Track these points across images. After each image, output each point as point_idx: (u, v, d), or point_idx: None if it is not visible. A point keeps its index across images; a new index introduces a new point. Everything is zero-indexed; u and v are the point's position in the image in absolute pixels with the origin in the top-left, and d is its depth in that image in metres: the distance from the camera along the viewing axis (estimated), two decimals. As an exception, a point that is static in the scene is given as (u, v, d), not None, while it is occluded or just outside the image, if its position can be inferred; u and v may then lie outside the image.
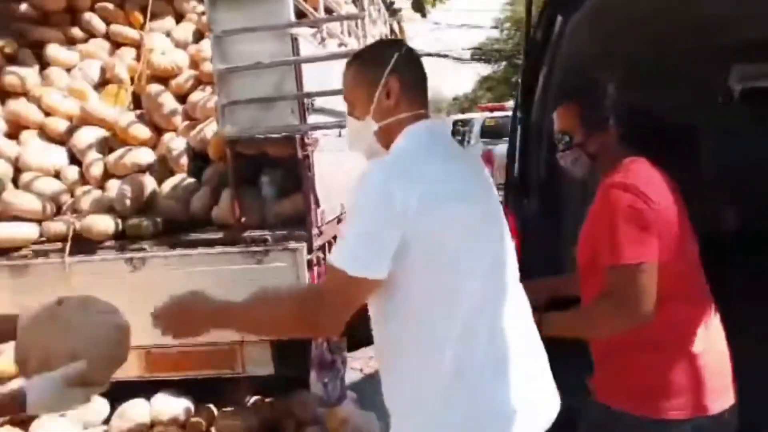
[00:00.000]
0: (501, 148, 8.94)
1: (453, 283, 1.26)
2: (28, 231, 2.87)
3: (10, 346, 1.44)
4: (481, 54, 26.68)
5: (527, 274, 2.41)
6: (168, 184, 3.10)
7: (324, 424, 2.96)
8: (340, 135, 2.84)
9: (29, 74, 3.55)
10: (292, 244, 2.70)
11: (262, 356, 2.79)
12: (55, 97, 3.43)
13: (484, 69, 29.56)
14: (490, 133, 9.90)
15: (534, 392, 1.35)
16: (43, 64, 3.71)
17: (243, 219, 2.78)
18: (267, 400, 3.12)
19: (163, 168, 3.18)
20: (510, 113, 10.31)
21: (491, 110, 11.10)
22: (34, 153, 3.22)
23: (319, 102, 2.80)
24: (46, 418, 2.67)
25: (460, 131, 14.70)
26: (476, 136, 10.04)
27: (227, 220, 2.85)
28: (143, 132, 3.24)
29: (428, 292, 1.25)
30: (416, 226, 1.20)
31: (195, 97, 3.38)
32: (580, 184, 2.19)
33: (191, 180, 3.12)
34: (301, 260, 2.68)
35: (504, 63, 26.66)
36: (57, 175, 3.21)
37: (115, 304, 2.81)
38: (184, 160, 3.15)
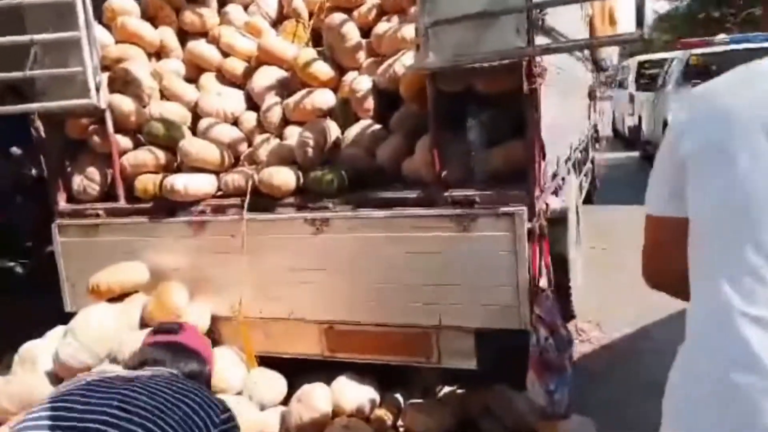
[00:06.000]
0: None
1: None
2: (207, 184, 2.60)
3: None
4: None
5: None
6: (352, 131, 2.64)
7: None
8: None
9: (209, 13, 3.28)
10: (508, 208, 2.09)
11: (462, 346, 2.27)
12: (233, 36, 3.11)
13: (663, 6, 25.80)
14: (696, 73, 8.26)
15: None
16: (222, 2, 3.43)
17: (444, 174, 2.23)
18: (460, 391, 2.62)
19: (345, 112, 2.73)
20: (721, 48, 8.55)
21: (692, 47, 9.23)
22: (211, 97, 2.94)
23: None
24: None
25: (645, 75, 12.73)
26: (677, 78, 8.47)
27: (422, 174, 2.32)
28: (325, 71, 2.80)
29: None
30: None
31: (381, 28, 2.85)
32: None
33: (377, 126, 2.63)
34: (519, 229, 2.07)
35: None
36: (235, 121, 2.92)
37: (295, 270, 2.52)
38: (370, 103, 2.66)
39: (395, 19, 2.92)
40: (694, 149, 0.89)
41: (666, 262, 1.00)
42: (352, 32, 2.78)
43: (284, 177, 2.42)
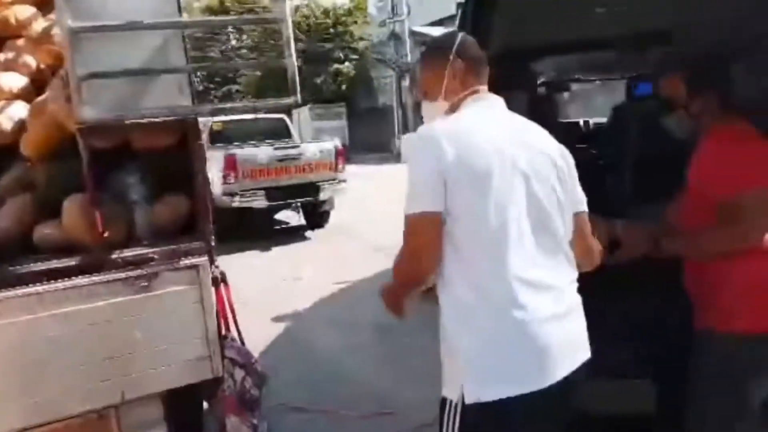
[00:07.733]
0: (245, 153, 8.47)
1: (488, 224, 1.38)
2: None
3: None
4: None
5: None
6: (-57, 200, 2.05)
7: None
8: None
9: None
10: (190, 260, 2.09)
11: (150, 416, 2.08)
12: None
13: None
14: (219, 137, 9.44)
15: (559, 333, 1.42)
16: None
17: (106, 234, 2.03)
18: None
19: None
20: (230, 117, 10.00)
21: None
22: None
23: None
24: None
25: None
26: (206, 140, 9.39)
27: (75, 238, 2.03)
28: None
29: (468, 231, 1.40)
30: (456, 173, 1.37)
31: (-49, 72, 2.32)
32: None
33: (-19, 191, 2.13)
34: (204, 278, 2.10)
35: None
36: None
37: None
38: (-37, 163, 2.14)
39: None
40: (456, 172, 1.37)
41: (439, 250, 1.40)
42: None
43: None
